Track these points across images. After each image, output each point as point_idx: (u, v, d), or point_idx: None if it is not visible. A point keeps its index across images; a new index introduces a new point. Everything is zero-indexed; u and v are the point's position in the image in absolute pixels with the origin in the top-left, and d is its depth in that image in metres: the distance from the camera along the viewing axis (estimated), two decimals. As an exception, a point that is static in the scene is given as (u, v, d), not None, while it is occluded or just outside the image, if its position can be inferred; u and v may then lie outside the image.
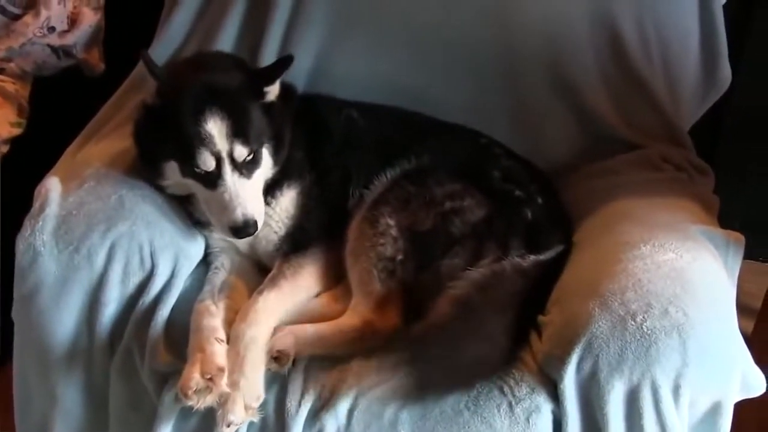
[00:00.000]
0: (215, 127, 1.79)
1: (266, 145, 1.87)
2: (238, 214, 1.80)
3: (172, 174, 1.87)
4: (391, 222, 1.89)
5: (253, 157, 1.84)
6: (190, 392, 1.67)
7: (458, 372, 1.70)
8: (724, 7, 2.36)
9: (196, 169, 1.81)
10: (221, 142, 1.79)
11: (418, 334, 1.73)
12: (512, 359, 1.74)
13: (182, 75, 1.89)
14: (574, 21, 2.32)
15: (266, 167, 1.89)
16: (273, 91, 1.90)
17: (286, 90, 1.95)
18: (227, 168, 1.80)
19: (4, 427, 2.09)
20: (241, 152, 1.81)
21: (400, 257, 1.88)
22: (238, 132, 1.80)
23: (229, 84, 1.85)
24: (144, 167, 1.93)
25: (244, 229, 1.81)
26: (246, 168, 1.83)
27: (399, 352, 1.70)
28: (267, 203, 1.94)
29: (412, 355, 1.69)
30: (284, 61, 1.90)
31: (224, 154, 1.80)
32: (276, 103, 1.90)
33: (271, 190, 1.95)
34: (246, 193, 1.82)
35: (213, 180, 1.81)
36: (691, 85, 2.37)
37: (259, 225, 1.84)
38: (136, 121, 1.94)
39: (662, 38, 2.34)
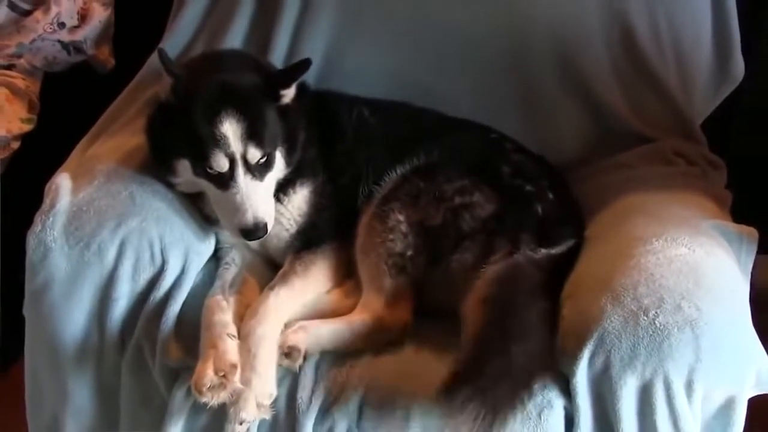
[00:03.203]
0: (230, 129, 1.78)
1: (279, 147, 1.87)
2: (249, 217, 1.80)
3: (184, 172, 1.87)
4: (401, 218, 1.89)
5: (266, 160, 1.84)
6: (204, 389, 1.67)
7: (517, 378, 1.65)
8: (736, 0, 2.34)
9: (208, 170, 1.81)
10: (235, 144, 1.79)
11: (466, 359, 1.67)
12: (554, 348, 1.70)
13: (199, 73, 1.88)
14: (584, 13, 2.32)
15: (278, 169, 1.89)
16: (288, 94, 1.89)
17: (300, 89, 1.94)
18: (240, 170, 1.80)
19: (14, 424, 2.09)
20: (255, 155, 1.81)
21: (410, 253, 1.87)
22: (253, 134, 1.80)
23: (245, 85, 1.85)
24: (155, 164, 1.93)
25: (254, 231, 1.81)
26: (258, 170, 1.83)
27: (456, 390, 1.60)
28: (279, 201, 1.94)
29: (472, 388, 1.60)
30: (301, 65, 1.90)
31: (238, 156, 1.80)
32: (291, 106, 1.90)
33: (283, 188, 1.95)
34: (257, 196, 1.82)
35: (225, 181, 1.81)
36: (704, 79, 2.36)
37: (269, 227, 1.84)
38: (149, 117, 1.94)
39: (674, 30, 2.33)
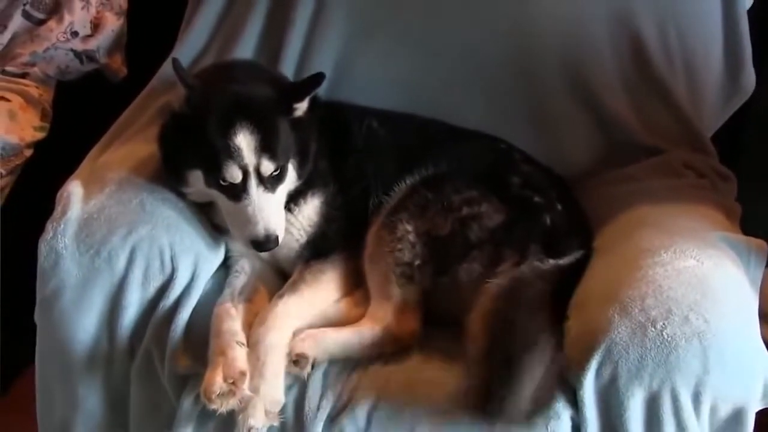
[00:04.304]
0: (244, 141, 1.79)
1: (292, 160, 1.88)
2: (260, 229, 1.81)
3: (196, 182, 1.87)
4: (409, 228, 1.89)
5: (278, 172, 1.84)
6: (213, 396, 1.67)
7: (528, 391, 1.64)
8: (748, 12, 2.34)
9: (221, 181, 1.82)
10: (249, 156, 1.80)
11: (472, 378, 1.67)
12: (563, 357, 1.69)
13: (213, 85, 1.89)
14: (593, 25, 2.32)
15: (290, 181, 1.90)
16: (301, 108, 1.90)
17: (312, 101, 1.95)
18: (253, 182, 1.81)
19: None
20: (268, 167, 1.82)
21: (418, 262, 1.88)
22: (266, 147, 1.81)
23: (259, 98, 1.86)
24: (167, 173, 1.94)
25: (265, 243, 1.82)
26: (271, 182, 1.84)
27: (464, 399, 1.64)
28: (290, 211, 1.95)
29: (479, 399, 1.62)
30: (315, 79, 1.90)
31: (251, 168, 1.80)
32: (303, 118, 1.91)
33: (294, 198, 1.96)
34: (269, 208, 1.82)
35: (237, 193, 1.82)
36: (714, 91, 2.35)
37: (280, 239, 1.84)
38: (161, 127, 1.94)
39: (684, 42, 2.33)
